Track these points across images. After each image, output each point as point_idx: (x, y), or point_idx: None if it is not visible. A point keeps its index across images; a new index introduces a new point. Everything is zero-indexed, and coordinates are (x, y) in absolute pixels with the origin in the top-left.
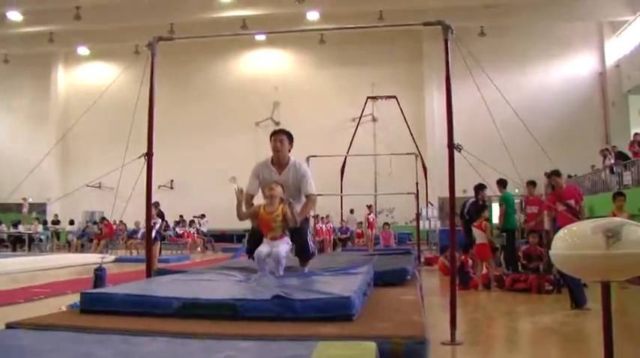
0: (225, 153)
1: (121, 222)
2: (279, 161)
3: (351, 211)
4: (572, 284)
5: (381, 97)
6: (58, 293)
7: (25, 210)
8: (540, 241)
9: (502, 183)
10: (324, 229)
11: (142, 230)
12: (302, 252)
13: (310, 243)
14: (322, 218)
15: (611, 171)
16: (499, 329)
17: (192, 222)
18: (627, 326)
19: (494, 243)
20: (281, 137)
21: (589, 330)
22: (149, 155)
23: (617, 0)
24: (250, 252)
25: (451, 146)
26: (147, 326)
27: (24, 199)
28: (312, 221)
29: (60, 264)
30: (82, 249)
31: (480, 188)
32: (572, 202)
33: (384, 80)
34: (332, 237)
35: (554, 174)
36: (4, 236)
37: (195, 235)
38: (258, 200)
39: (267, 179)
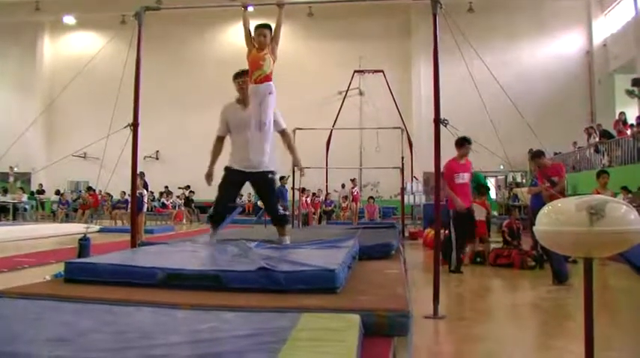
0: (211, 124)
1: (100, 191)
2: (244, 99)
3: (343, 186)
4: (554, 261)
5: (368, 71)
6: (42, 263)
7: (11, 179)
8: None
9: None
10: (308, 202)
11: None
12: (273, 212)
13: (279, 206)
14: (313, 192)
15: (596, 151)
16: (481, 304)
17: (191, 193)
18: (607, 302)
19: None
20: (245, 78)
21: (570, 306)
22: (135, 125)
23: None
24: (212, 218)
25: (437, 121)
26: (131, 296)
27: (10, 168)
28: (297, 194)
29: (44, 233)
30: (66, 218)
31: None
32: (555, 179)
33: (371, 54)
34: (319, 211)
35: (537, 156)
36: None
37: (184, 208)
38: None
39: (233, 117)
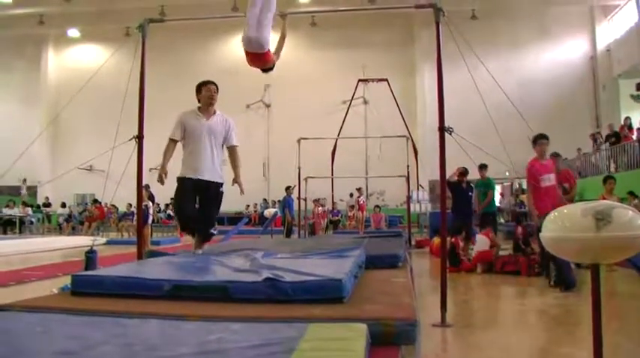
0: None
1: (106, 203)
2: (207, 110)
3: (351, 195)
4: (561, 267)
5: (372, 80)
6: (49, 276)
7: (23, 191)
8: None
9: (485, 167)
10: (319, 211)
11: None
12: (202, 224)
13: (215, 220)
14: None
15: (597, 149)
16: (489, 312)
17: None
18: (615, 308)
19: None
20: (214, 87)
21: (578, 312)
22: (140, 138)
23: None
24: (186, 230)
25: (442, 129)
26: (138, 308)
27: (24, 181)
28: (310, 204)
29: (51, 246)
30: (73, 231)
31: (464, 173)
32: (566, 185)
33: (375, 63)
34: (325, 220)
35: (555, 155)
36: None
37: None
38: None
39: (193, 125)
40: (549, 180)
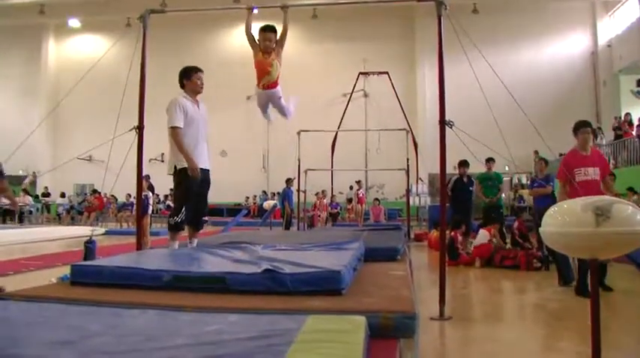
0: (216, 126)
1: (106, 194)
2: (195, 97)
3: (351, 188)
4: (560, 262)
5: (373, 73)
6: (48, 266)
7: (27, 180)
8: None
9: (492, 161)
10: (325, 203)
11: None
12: (200, 215)
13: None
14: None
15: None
16: (487, 305)
17: None
18: (613, 303)
19: (502, 245)
20: (203, 75)
21: (576, 307)
22: (140, 128)
23: None
24: (178, 226)
25: (443, 122)
26: (137, 299)
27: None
28: (313, 198)
29: (50, 236)
30: (72, 221)
31: (463, 165)
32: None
33: (376, 56)
34: (326, 213)
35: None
36: None
37: None
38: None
39: (192, 113)
40: (587, 174)
